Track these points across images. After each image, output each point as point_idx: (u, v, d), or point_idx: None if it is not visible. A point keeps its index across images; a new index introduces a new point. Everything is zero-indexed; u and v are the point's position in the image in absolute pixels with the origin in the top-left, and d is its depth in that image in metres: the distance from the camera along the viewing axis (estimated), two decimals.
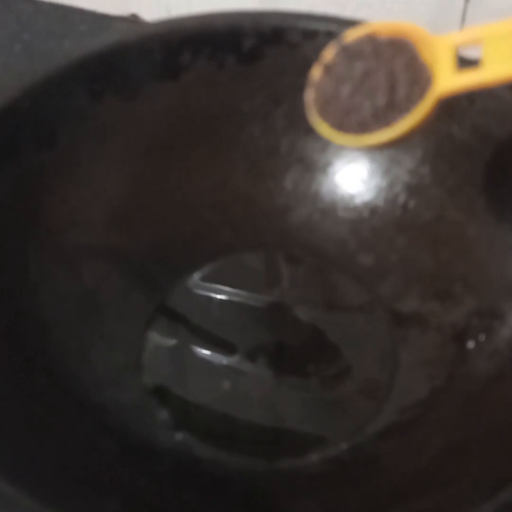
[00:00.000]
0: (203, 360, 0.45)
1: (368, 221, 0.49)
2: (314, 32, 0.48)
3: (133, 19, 0.66)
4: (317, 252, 0.49)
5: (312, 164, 0.50)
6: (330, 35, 0.47)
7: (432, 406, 0.41)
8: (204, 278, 0.48)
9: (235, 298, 0.47)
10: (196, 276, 0.48)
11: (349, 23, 0.47)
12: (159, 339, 0.45)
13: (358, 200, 0.49)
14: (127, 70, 0.47)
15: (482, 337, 0.42)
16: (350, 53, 0.37)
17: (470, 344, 0.42)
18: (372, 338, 0.46)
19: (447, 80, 0.34)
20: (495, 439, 0.36)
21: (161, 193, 0.48)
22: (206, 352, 0.45)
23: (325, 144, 0.49)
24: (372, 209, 0.49)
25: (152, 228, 0.48)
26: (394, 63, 0.35)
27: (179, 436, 0.41)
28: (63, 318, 0.43)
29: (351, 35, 0.37)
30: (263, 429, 0.42)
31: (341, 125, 0.36)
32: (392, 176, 0.48)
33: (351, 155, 0.49)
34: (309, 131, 0.49)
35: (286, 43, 0.48)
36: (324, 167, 0.50)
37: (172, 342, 0.46)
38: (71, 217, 0.45)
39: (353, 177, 0.49)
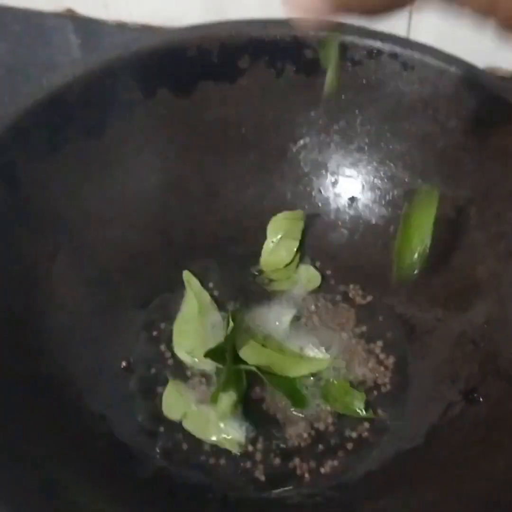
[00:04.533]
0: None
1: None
2: (378, 51, 0.46)
3: (69, 14, 0.63)
4: (357, 272, 0.49)
5: (353, 183, 0.49)
6: (395, 57, 0.46)
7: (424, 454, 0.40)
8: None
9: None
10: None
11: (414, 46, 0.46)
12: (148, 344, 0.46)
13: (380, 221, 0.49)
14: (184, 68, 0.47)
15: None
16: None
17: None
18: None
19: None
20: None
21: (199, 196, 0.49)
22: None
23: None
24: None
25: (182, 230, 0.48)
26: None
27: (160, 448, 0.42)
28: (65, 320, 0.44)
29: None
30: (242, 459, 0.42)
31: None
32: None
33: None
34: (361, 149, 0.48)
35: (349, 60, 0.46)
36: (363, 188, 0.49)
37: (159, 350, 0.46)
38: (103, 210, 0.46)
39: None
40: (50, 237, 0.44)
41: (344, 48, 0.46)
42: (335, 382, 0.44)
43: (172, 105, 0.47)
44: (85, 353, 0.43)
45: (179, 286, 0.48)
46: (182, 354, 0.45)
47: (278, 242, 0.49)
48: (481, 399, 0.40)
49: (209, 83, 0.47)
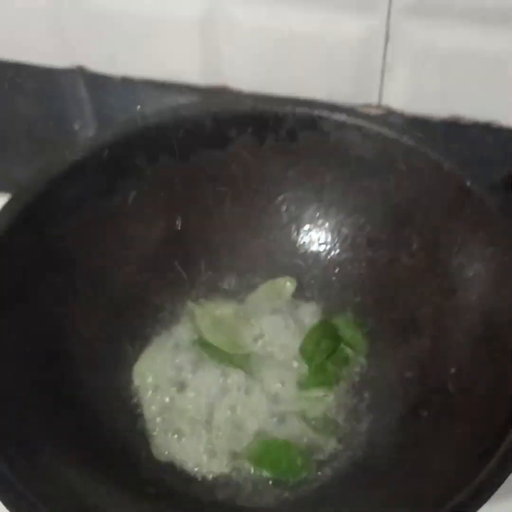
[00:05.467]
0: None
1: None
2: (343, 124, 0.55)
3: (80, 71, 0.67)
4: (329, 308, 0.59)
5: (325, 231, 0.59)
6: (357, 128, 0.55)
7: None
8: None
9: None
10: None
11: (373, 120, 0.55)
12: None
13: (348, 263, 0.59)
14: (182, 138, 0.56)
15: None
16: None
17: None
18: None
19: None
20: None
21: (196, 243, 0.58)
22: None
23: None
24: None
25: (185, 273, 0.58)
26: None
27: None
28: (82, 349, 0.53)
29: None
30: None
31: None
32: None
33: None
34: (331, 203, 0.58)
35: (319, 130, 0.56)
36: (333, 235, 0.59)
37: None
38: (116, 257, 0.56)
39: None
40: (71, 279, 0.53)
41: (315, 121, 0.56)
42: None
43: (173, 169, 0.57)
44: (99, 377, 0.52)
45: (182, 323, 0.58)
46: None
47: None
48: (425, 413, 0.50)
49: (203, 149, 0.57)
